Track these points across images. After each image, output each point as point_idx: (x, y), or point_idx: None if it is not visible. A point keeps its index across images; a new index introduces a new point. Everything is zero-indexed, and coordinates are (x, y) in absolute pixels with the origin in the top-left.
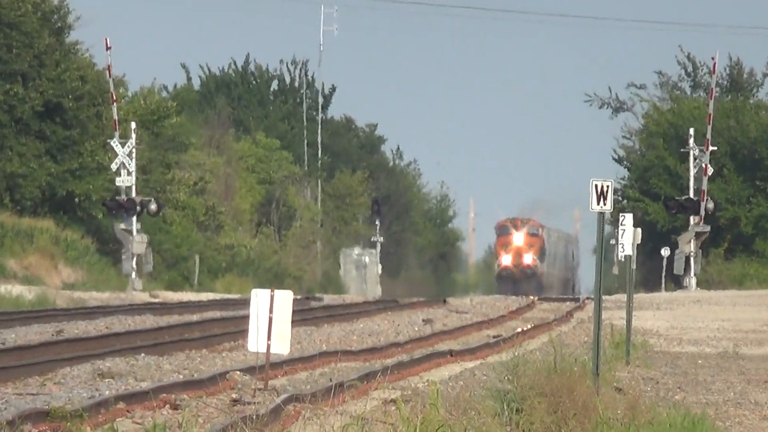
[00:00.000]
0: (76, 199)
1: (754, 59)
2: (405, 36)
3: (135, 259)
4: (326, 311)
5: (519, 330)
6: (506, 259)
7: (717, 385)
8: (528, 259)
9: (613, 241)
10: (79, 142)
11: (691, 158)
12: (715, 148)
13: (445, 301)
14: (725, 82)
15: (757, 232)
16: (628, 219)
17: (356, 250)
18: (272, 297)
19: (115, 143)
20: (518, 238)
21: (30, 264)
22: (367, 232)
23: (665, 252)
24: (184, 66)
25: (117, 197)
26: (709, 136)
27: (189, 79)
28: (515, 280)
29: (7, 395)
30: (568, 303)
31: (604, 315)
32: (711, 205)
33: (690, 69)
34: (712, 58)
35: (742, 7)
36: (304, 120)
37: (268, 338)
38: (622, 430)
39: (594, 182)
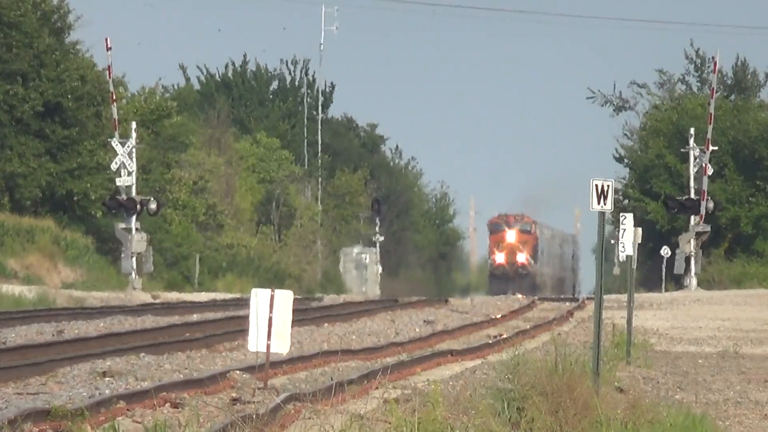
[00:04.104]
0: (75, 198)
1: (758, 59)
2: (405, 35)
3: (135, 258)
4: (326, 311)
5: (519, 330)
6: (499, 258)
7: (717, 384)
8: (521, 257)
9: (613, 241)
10: (79, 142)
11: (692, 158)
12: (716, 147)
13: (446, 301)
14: (730, 82)
15: (758, 232)
16: (628, 219)
17: (356, 250)
18: (272, 297)
19: (115, 143)
20: (511, 235)
21: (30, 264)
22: (367, 232)
23: (665, 252)
24: (182, 67)
25: (117, 196)
26: (709, 135)
27: (187, 79)
28: (508, 279)
29: (8, 395)
30: (568, 303)
31: (604, 314)
32: (711, 205)
33: (699, 64)
34: (713, 57)
35: (748, 8)
36: (305, 119)
37: (268, 338)
38: (622, 430)
39: (594, 182)
